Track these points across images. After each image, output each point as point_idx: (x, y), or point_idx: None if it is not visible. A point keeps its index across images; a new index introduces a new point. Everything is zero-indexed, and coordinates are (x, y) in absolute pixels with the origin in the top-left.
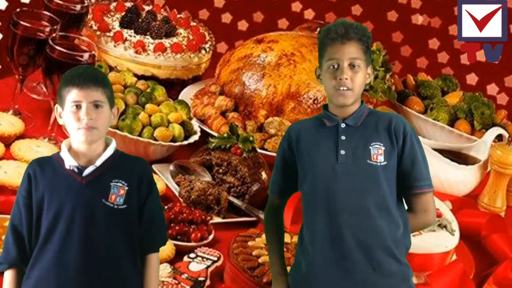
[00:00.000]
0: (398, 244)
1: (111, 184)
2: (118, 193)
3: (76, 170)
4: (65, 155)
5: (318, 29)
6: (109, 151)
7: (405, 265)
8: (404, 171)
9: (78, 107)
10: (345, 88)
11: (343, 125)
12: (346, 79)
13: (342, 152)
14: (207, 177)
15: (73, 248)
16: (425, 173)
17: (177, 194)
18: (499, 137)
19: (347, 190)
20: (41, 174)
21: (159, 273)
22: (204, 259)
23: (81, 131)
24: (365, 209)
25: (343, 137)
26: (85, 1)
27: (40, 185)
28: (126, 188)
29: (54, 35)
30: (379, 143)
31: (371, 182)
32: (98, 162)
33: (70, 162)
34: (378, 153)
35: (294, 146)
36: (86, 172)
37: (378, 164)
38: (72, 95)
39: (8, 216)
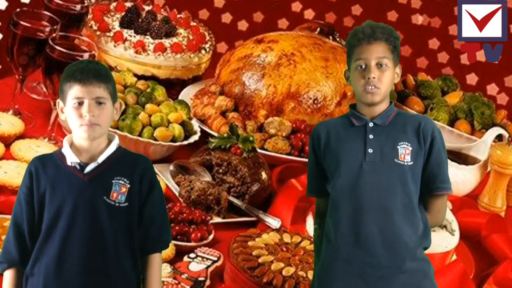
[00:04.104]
0: (420, 243)
1: (113, 181)
2: (119, 190)
3: (77, 166)
4: (66, 151)
5: (318, 29)
6: (112, 147)
7: (425, 261)
8: (430, 173)
9: (80, 103)
10: (373, 87)
11: (371, 124)
12: (373, 78)
13: (370, 150)
14: (207, 177)
15: (75, 246)
16: (448, 175)
17: (177, 194)
18: (499, 137)
19: (373, 188)
20: (42, 171)
21: (161, 273)
22: (204, 259)
23: (83, 127)
24: (391, 208)
25: (371, 136)
26: (85, 1)
27: (42, 182)
28: (128, 186)
29: (54, 35)
30: (406, 143)
31: (398, 181)
32: (100, 159)
33: (71, 159)
34: (405, 153)
35: (323, 145)
36: (88, 169)
37: (406, 163)
38: (74, 90)
39: (8, 216)
